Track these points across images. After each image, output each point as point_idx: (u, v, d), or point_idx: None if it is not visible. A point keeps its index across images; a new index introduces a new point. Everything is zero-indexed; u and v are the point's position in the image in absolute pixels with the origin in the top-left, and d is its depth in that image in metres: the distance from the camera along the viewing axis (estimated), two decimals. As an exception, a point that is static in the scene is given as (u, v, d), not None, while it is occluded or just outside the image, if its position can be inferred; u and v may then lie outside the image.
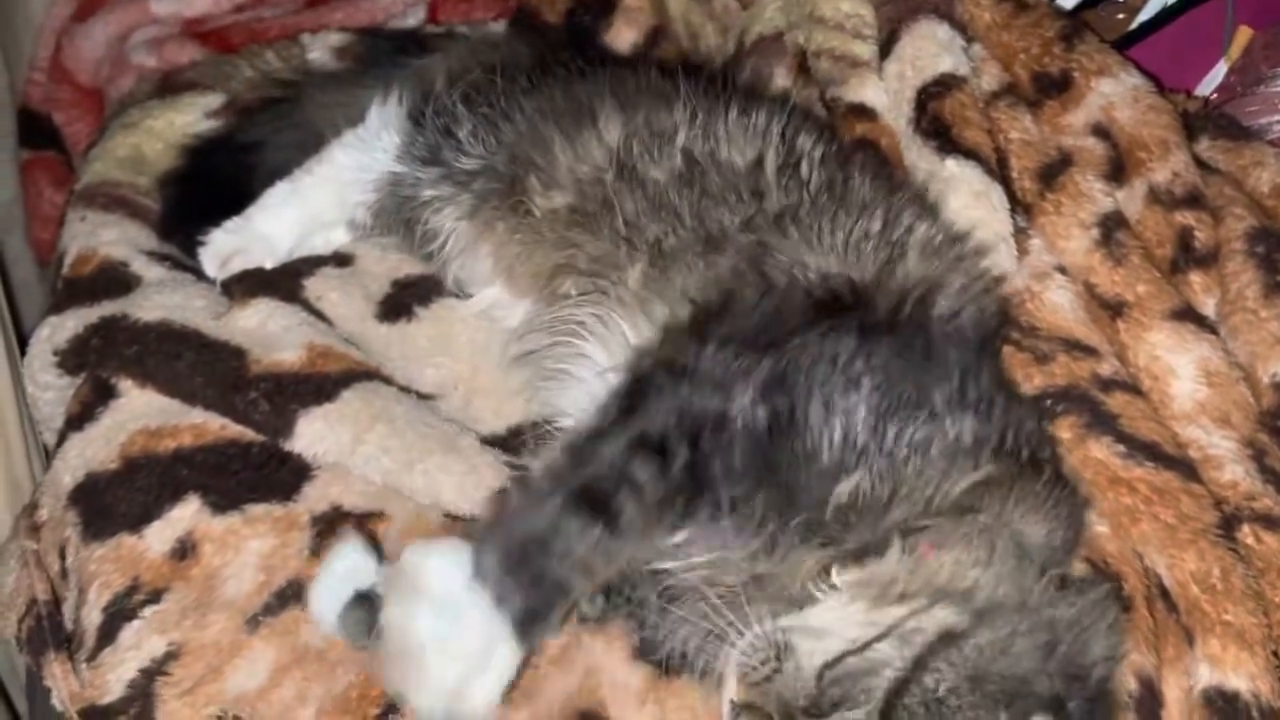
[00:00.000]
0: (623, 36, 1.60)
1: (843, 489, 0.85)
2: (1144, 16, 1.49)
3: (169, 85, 1.49)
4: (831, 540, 0.84)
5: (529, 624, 0.82)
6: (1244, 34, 1.50)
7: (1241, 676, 0.88)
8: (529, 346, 1.09)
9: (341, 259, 1.24)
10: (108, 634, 0.92)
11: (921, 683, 0.76)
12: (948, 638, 0.77)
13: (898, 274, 0.99)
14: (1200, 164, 1.25)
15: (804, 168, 1.08)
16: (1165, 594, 0.96)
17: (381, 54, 1.51)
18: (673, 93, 1.13)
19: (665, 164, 1.07)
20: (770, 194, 1.05)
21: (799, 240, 1.01)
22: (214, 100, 1.44)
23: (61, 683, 0.92)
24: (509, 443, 1.09)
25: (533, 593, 0.81)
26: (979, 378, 0.92)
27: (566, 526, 0.82)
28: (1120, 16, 1.52)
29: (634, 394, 0.90)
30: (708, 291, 0.97)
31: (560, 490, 0.84)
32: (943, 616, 0.78)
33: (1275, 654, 0.91)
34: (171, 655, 0.90)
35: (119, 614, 0.93)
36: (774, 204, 1.04)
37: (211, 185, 1.32)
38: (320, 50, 1.55)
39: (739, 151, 1.08)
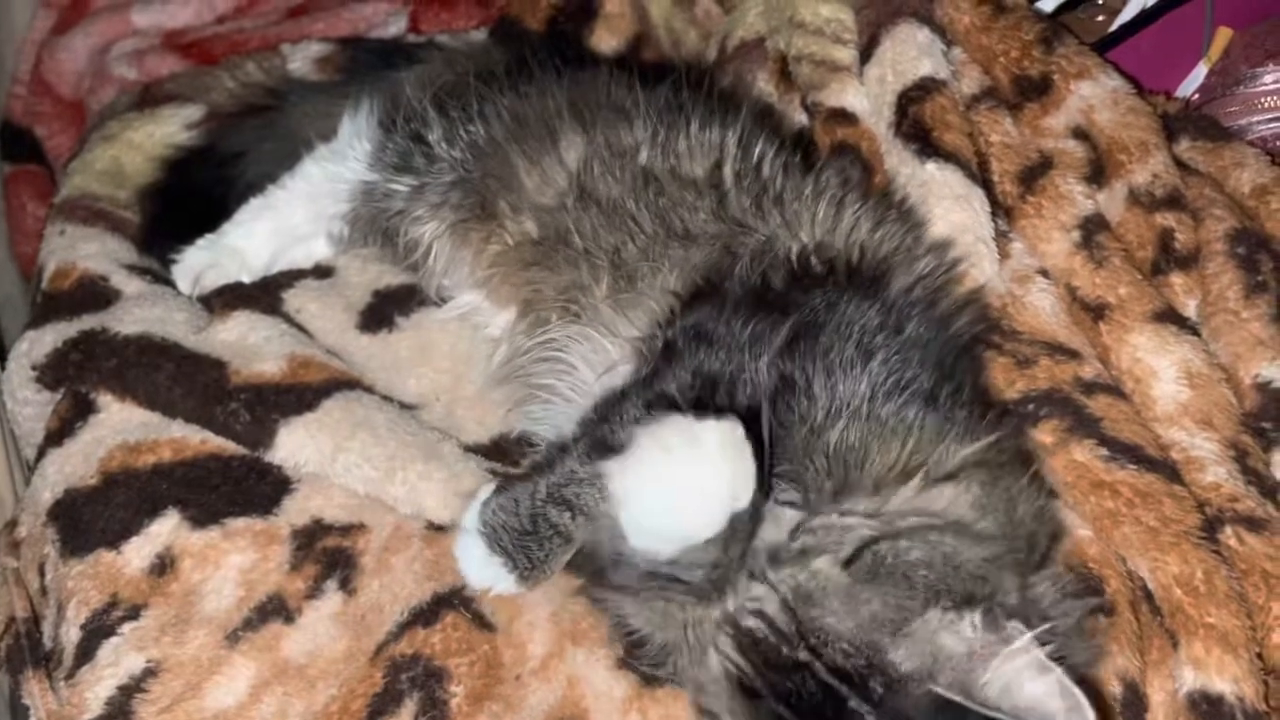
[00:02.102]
0: (605, 43, 1.61)
1: (831, 436, 0.85)
2: (1123, 19, 1.49)
3: (149, 97, 1.49)
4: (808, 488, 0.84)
5: (526, 570, 0.90)
6: (1223, 35, 1.50)
7: (1226, 680, 0.88)
8: (511, 366, 1.09)
9: (322, 271, 1.24)
10: (86, 651, 0.92)
11: (896, 543, 0.77)
12: (930, 527, 0.79)
13: (902, 267, 1.00)
14: (1180, 165, 1.25)
15: (765, 169, 1.08)
16: (1149, 597, 0.96)
17: (363, 64, 1.51)
18: (633, 108, 1.13)
19: (624, 181, 1.07)
20: (731, 192, 1.05)
21: (779, 222, 1.02)
22: (194, 112, 1.44)
23: (39, 701, 0.91)
24: (492, 452, 1.09)
25: (533, 542, 0.89)
26: (977, 389, 0.92)
27: (580, 475, 0.87)
28: (1100, 19, 1.52)
29: (661, 358, 0.92)
30: (690, 278, 0.99)
31: (580, 443, 0.90)
32: (928, 521, 0.81)
33: (1259, 656, 0.90)
34: (150, 672, 0.90)
35: (97, 631, 0.93)
36: (740, 199, 1.05)
37: (192, 198, 1.31)
38: (301, 61, 1.55)
39: (699, 165, 1.08)
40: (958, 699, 0.70)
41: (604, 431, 0.89)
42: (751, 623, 0.76)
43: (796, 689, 0.74)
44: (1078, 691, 0.69)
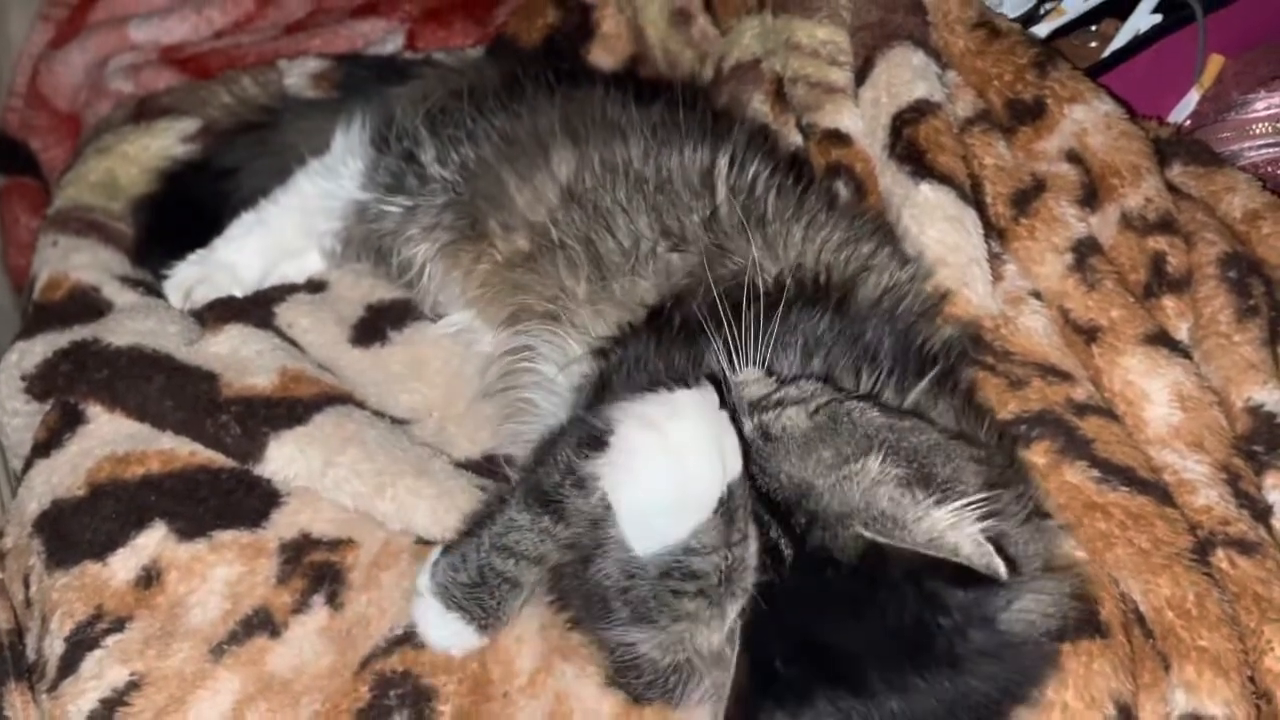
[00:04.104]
0: (601, 64, 1.62)
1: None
2: (1116, 45, 1.51)
3: (144, 110, 1.49)
4: None
5: (482, 619, 0.91)
6: (1216, 62, 1.51)
7: (1217, 703, 0.87)
8: (499, 381, 1.09)
9: (315, 285, 1.24)
10: (69, 664, 0.91)
11: (863, 405, 0.80)
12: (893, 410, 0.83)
13: (865, 285, 1.01)
14: (1172, 189, 1.25)
15: (759, 187, 1.09)
16: (1141, 619, 0.95)
17: (359, 81, 1.51)
18: (628, 125, 1.13)
19: (617, 188, 1.08)
20: (724, 204, 1.06)
21: (762, 245, 1.02)
22: (189, 125, 1.44)
23: (21, 713, 0.91)
24: (484, 468, 1.09)
25: (484, 592, 0.90)
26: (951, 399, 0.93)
27: (519, 521, 0.89)
28: (1093, 45, 1.53)
29: (594, 392, 0.94)
30: (660, 294, 1.00)
31: (518, 489, 0.92)
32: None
33: (1251, 680, 0.90)
34: (133, 685, 0.89)
35: (81, 643, 0.92)
36: (731, 213, 1.05)
37: (185, 211, 1.32)
38: (297, 76, 1.55)
39: (693, 177, 1.09)
40: (882, 540, 0.73)
41: (540, 476, 0.91)
42: None
43: None
44: (990, 549, 0.72)
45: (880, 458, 0.76)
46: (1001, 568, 0.71)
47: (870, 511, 0.74)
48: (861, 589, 0.74)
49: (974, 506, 0.74)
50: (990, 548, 0.72)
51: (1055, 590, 0.83)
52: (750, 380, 0.84)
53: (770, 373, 0.86)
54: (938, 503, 0.74)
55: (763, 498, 0.76)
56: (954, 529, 0.73)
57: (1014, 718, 0.83)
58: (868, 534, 0.73)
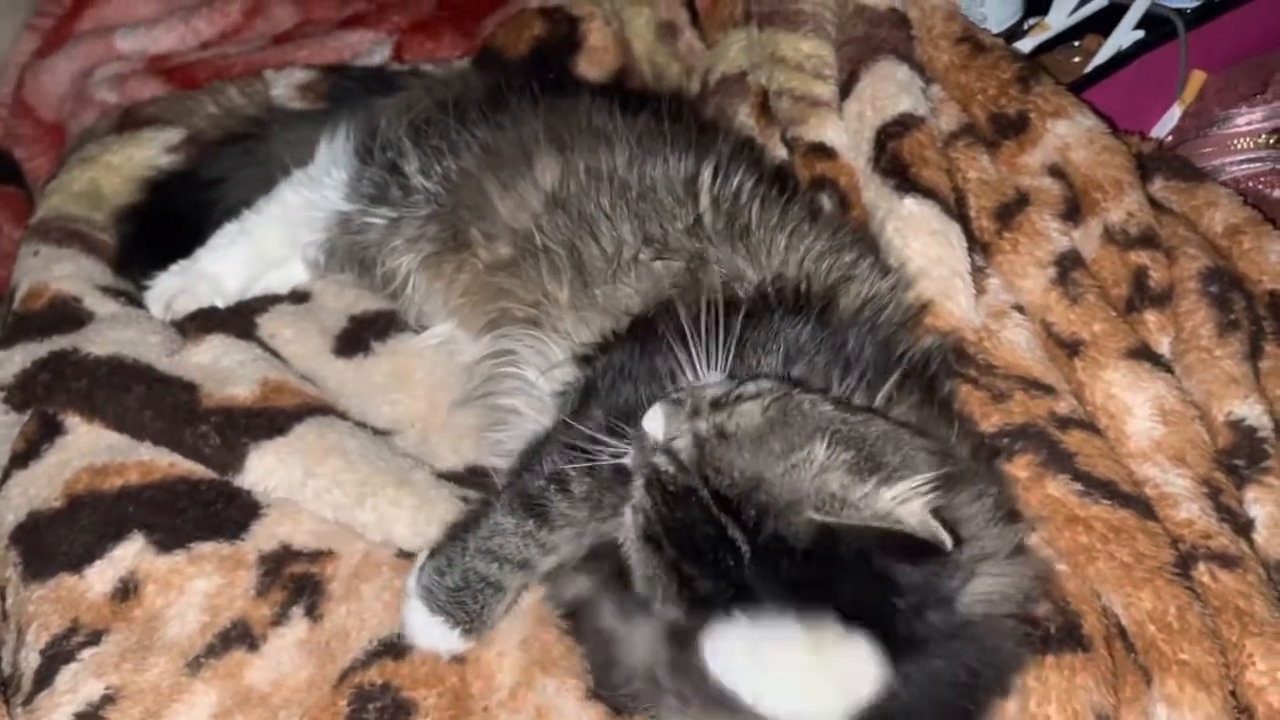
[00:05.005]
0: (588, 76, 1.62)
1: None
2: (1099, 60, 1.52)
3: (129, 120, 1.49)
4: None
5: (468, 624, 0.91)
6: (1197, 78, 1.53)
7: (1199, 717, 0.87)
8: (477, 387, 1.09)
9: (298, 296, 1.24)
10: (45, 677, 0.90)
11: (815, 397, 0.81)
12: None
13: (847, 294, 1.01)
14: (1154, 204, 1.26)
15: (743, 197, 1.09)
16: (1123, 633, 0.95)
17: (346, 92, 1.51)
18: (613, 133, 1.13)
19: (602, 195, 1.08)
20: (707, 213, 1.06)
21: (745, 255, 1.02)
22: (174, 135, 1.44)
23: (-5, 728, 0.90)
24: (467, 480, 1.08)
25: (467, 596, 0.90)
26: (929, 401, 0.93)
27: (503, 525, 0.90)
28: (1076, 60, 1.54)
29: (579, 398, 0.95)
30: (645, 303, 1.00)
31: (504, 494, 0.92)
32: None
33: (1232, 694, 0.90)
34: (109, 699, 0.88)
35: (57, 656, 0.91)
36: (715, 221, 1.06)
37: (170, 221, 1.31)
38: (283, 87, 1.55)
39: (676, 186, 1.09)
40: (831, 520, 0.73)
41: (525, 481, 0.91)
42: (660, 459, 0.79)
43: (684, 520, 0.76)
44: (934, 521, 0.72)
45: (827, 444, 0.76)
46: (946, 537, 0.72)
47: (820, 496, 0.75)
48: (815, 574, 0.74)
49: (921, 485, 0.74)
50: (934, 520, 0.73)
51: (1014, 572, 0.83)
52: (711, 384, 0.84)
53: (733, 375, 0.86)
54: (884, 482, 0.75)
55: (716, 496, 0.76)
56: (901, 504, 0.74)
57: (992, 706, 0.83)
58: (818, 517, 0.74)
